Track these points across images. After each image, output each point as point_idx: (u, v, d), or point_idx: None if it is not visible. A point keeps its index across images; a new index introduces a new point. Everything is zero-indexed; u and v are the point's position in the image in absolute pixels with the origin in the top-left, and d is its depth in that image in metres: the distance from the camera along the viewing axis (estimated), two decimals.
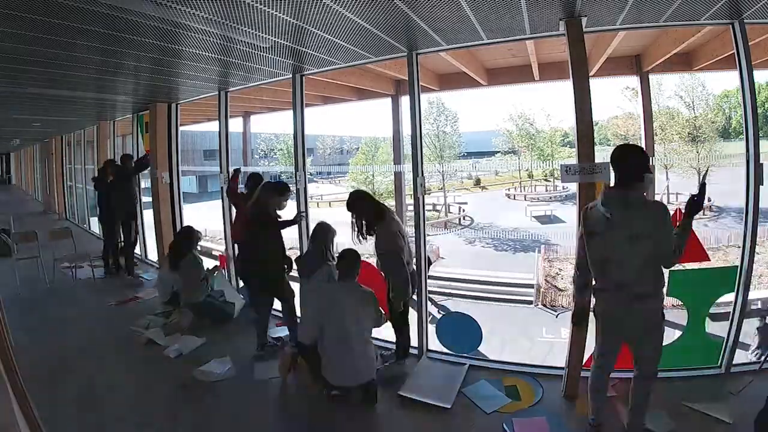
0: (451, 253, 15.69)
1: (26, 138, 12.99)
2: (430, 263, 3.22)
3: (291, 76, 4.28)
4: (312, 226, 3.56)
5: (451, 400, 2.87)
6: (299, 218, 4.01)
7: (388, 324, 3.25)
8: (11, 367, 1.82)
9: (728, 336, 3.04)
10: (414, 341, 3.59)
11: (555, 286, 12.76)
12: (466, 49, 4.64)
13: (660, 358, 2.26)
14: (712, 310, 3.09)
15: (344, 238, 3.44)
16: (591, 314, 2.44)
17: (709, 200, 17.41)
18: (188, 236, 4.53)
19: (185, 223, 5.87)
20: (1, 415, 1.67)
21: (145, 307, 4.78)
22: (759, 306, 5.31)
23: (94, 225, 8.72)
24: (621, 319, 2.21)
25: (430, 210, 21.84)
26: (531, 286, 11.59)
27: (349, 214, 3.29)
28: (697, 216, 2.14)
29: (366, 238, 3.28)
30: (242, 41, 3.13)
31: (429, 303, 3.61)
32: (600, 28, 3.14)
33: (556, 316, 9.86)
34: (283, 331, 3.97)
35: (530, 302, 11.14)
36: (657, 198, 4.11)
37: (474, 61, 5.91)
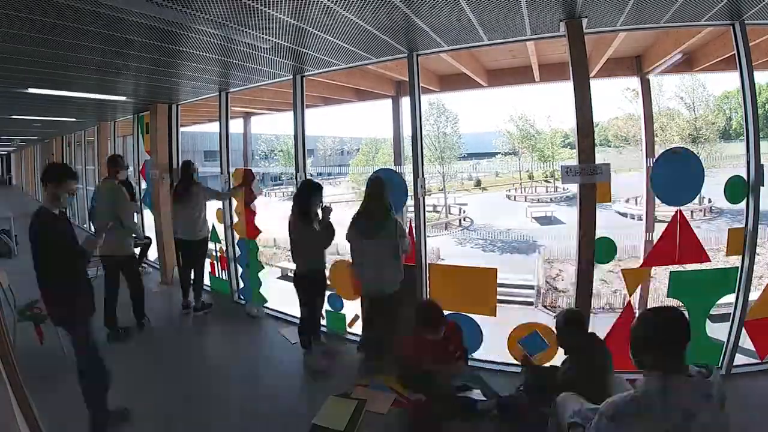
0: (452, 254, 15.71)
1: (27, 138, 13.00)
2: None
3: (291, 77, 4.28)
4: None
5: None
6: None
7: None
8: (11, 367, 1.81)
9: (729, 337, 3.04)
10: None
11: (555, 287, 12.77)
12: (466, 50, 4.64)
13: None
14: (712, 311, 3.09)
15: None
16: None
17: (709, 201, 17.41)
18: None
19: None
20: (1, 415, 1.67)
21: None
22: None
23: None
24: None
25: (430, 211, 21.85)
26: (531, 287, 11.59)
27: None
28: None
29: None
30: (243, 42, 3.13)
31: None
32: (600, 29, 3.15)
33: (554, 317, 9.83)
34: None
35: (531, 303, 11.14)
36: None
37: (474, 62, 5.90)
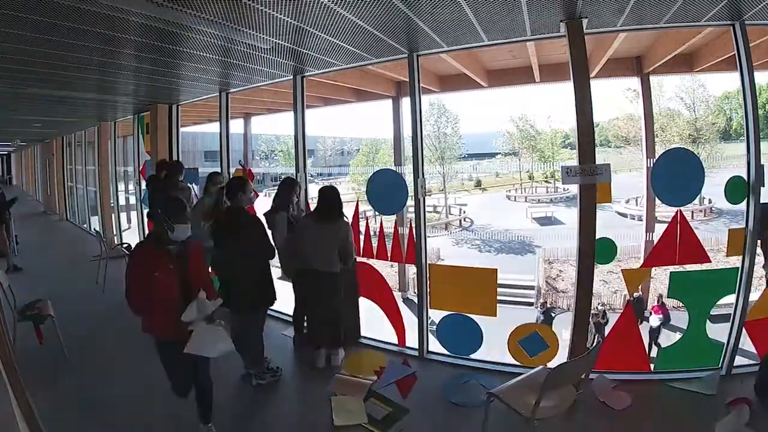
0: (449, 255, 15.72)
1: (27, 138, 13.00)
2: None
3: (291, 77, 4.28)
4: None
5: None
6: None
7: None
8: (11, 366, 1.81)
9: (729, 338, 3.03)
10: (414, 342, 3.60)
11: (555, 287, 12.77)
12: (466, 51, 4.64)
13: None
14: (712, 311, 3.09)
15: None
16: None
17: (710, 201, 17.40)
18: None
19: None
20: (1, 415, 1.67)
21: None
22: None
23: (94, 225, 8.69)
24: None
25: (431, 211, 21.85)
26: (532, 287, 11.59)
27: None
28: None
29: None
30: (243, 42, 3.13)
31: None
32: (601, 30, 3.14)
33: (553, 317, 9.82)
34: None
35: (531, 304, 11.14)
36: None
37: (474, 63, 5.91)
